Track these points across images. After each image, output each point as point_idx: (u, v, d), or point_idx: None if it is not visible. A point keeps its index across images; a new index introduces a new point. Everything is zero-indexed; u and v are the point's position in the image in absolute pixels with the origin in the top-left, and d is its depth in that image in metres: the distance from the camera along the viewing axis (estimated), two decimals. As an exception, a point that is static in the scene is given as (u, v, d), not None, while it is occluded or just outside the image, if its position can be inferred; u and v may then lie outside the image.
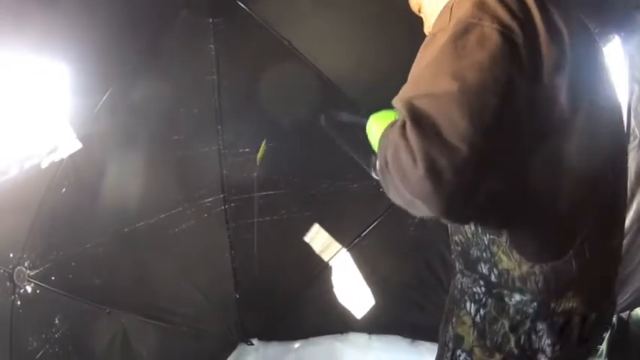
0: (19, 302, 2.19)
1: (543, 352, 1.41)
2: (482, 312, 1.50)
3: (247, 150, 3.40)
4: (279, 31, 3.08)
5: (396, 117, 1.42)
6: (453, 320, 1.62)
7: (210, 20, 3.08)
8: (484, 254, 1.45)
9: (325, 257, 3.63)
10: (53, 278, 2.39)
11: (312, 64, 3.18)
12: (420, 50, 1.30)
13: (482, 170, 1.13)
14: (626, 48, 2.70)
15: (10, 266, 2.18)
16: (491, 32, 1.16)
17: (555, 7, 1.27)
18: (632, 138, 2.76)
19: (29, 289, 2.25)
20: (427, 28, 1.76)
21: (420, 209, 1.18)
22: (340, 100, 3.24)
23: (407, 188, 1.14)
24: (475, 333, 1.52)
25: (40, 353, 2.24)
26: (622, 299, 2.74)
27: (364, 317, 3.60)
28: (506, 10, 1.18)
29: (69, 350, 2.40)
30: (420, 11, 1.78)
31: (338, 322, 3.64)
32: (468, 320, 1.55)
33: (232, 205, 3.50)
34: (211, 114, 3.26)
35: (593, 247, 1.36)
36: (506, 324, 1.43)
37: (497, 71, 1.14)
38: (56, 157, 2.30)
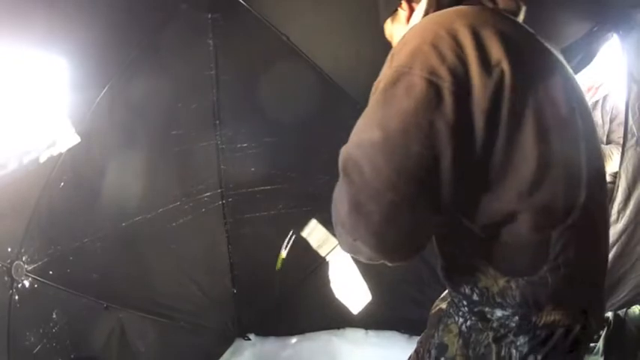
0: (16, 297, 2.20)
1: None
2: (468, 323, 1.50)
3: (245, 145, 3.40)
4: (277, 26, 3.07)
5: None
6: (440, 328, 1.62)
7: (209, 15, 3.07)
8: (464, 277, 1.45)
9: (322, 252, 3.61)
10: (51, 273, 2.39)
11: (310, 59, 3.17)
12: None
13: (413, 212, 1.19)
14: (624, 46, 2.69)
15: (8, 261, 2.19)
16: (418, 80, 1.19)
17: (497, 30, 1.27)
18: (629, 136, 2.76)
19: (27, 283, 2.26)
20: None
21: (365, 253, 1.27)
22: (338, 96, 3.23)
23: (346, 233, 1.24)
24: (460, 342, 1.51)
25: (37, 348, 2.25)
26: (619, 297, 2.75)
27: (361, 313, 3.60)
28: (438, 56, 1.21)
29: (66, 345, 2.41)
30: (391, 39, 1.82)
31: (335, 318, 3.65)
32: (454, 329, 1.54)
33: (230, 200, 3.50)
34: (209, 109, 3.26)
35: (570, 262, 1.33)
36: (491, 335, 1.42)
37: (420, 118, 1.17)
38: (55, 152, 2.30)
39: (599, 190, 1.43)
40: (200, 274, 3.38)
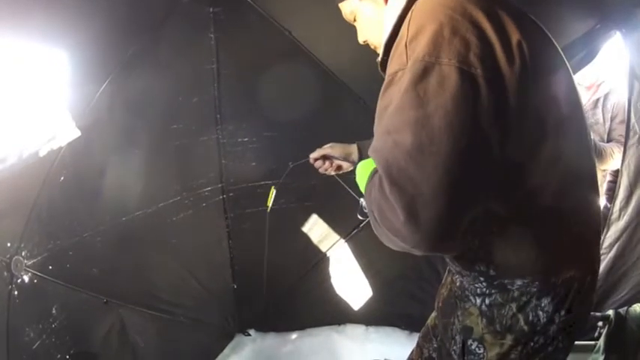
0: (16, 292, 2.19)
1: (552, 321, 1.48)
2: (487, 301, 1.55)
3: (246, 139, 3.38)
4: (279, 21, 3.05)
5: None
6: (458, 314, 1.66)
7: (211, 9, 3.04)
8: (478, 255, 1.49)
9: (323, 248, 3.62)
10: (50, 268, 2.38)
11: (312, 54, 3.15)
12: (382, 92, 1.29)
13: (463, 210, 1.19)
14: (626, 44, 2.68)
15: (8, 256, 2.17)
16: (449, 71, 1.16)
17: (507, 12, 1.29)
18: (632, 134, 2.76)
19: (26, 278, 2.24)
20: (361, 38, 1.80)
21: (416, 252, 1.25)
22: (340, 91, 3.20)
23: (401, 240, 1.20)
24: (484, 321, 1.56)
25: (36, 344, 2.24)
26: (620, 295, 2.75)
27: (361, 309, 3.60)
28: (461, 41, 1.19)
29: (66, 340, 2.40)
30: (354, 20, 1.79)
31: (335, 314, 3.64)
32: (474, 311, 1.59)
33: (231, 194, 3.49)
34: (210, 103, 3.23)
35: (579, 222, 1.48)
36: (514, 306, 1.49)
37: (462, 112, 1.15)
38: (54, 146, 2.28)
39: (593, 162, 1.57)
40: (200, 269, 3.37)
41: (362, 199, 1.82)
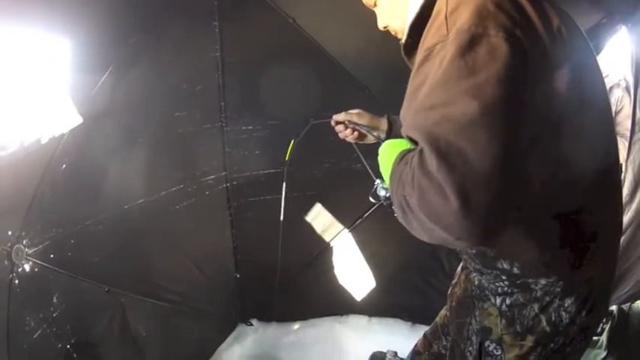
0: (16, 281, 2.19)
1: (573, 322, 1.48)
2: (508, 301, 1.54)
3: (250, 127, 3.36)
4: (283, 8, 3.02)
5: (406, 146, 1.41)
6: (476, 314, 1.66)
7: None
8: (503, 251, 1.48)
9: (326, 238, 3.62)
10: (52, 256, 2.38)
11: (316, 42, 3.12)
12: (415, 69, 1.24)
13: (515, 190, 1.09)
14: (632, 39, 2.66)
15: (9, 244, 2.18)
16: (499, 42, 1.11)
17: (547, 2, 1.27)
18: (637, 128, 2.74)
19: (27, 267, 2.25)
20: (382, 24, 1.75)
21: (454, 244, 1.15)
22: (345, 80, 3.19)
23: (442, 229, 1.09)
24: (503, 322, 1.56)
25: (37, 333, 2.24)
26: (622, 292, 2.74)
27: (364, 299, 3.60)
28: (507, 16, 1.15)
29: (67, 330, 2.40)
30: (375, 5, 1.75)
31: (338, 304, 3.64)
32: (494, 311, 1.59)
33: (234, 183, 3.48)
34: (214, 91, 3.21)
35: (606, 218, 1.45)
36: (536, 307, 1.49)
37: (515, 82, 1.09)
38: (56, 132, 2.28)
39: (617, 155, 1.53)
40: (203, 257, 3.36)
41: (378, 181, 1.73)
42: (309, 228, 3.59)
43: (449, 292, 2.05)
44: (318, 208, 3.58)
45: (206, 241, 3.44)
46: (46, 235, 2.35)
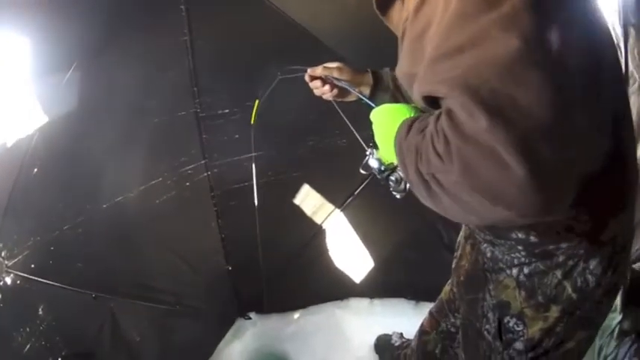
0: (-1, 295, 2.13)
1: (599, 285, 1.41)
2: (526, 270, 1.45)
3: (227, 111, 3.30)
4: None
5: (409, 113, 1.31)
6: (490, 288, 1.57)
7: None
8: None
9: (318, 220, 3.58)
10: (33, 266, 2.34)
11: (286, 14, 3.05)
12: (415, 13, 1.12)
13: (577, 137, 0.92)
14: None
15: (-14, 258, 2.12)
16: None
17: None
18: (631, 82, 2.72)
19: (8, 280, 2.21)
20: None
21: (509, 222, 1.01)
22: (320, 52, 3.13)
23: (500, 206, 0.92)
24: (522, 293, 1.48)
25: (26, 348, 2.21)
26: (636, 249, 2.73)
27: (364, 281, 3.57)
28: None
29: (56, 341, 2.37)
30: None
31: (337, 288, 3.61)
32: (510, 283, 1.50)
33: (215, 170, 3.41)
34: (186, 76, 3.14)
35: (628, 180, 1.36)
36: (559, 273, 1.40)
37: (545, 7, 0.93)
38: (23, 134, 2.22)
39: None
40: (191, 252, 3.31)
41: (369, 150, 1.57)
42: (299, 211, 3.54)
43: (453, 265, 1.94)
44: (306, 189, 3.53)
45: (192, 234, 3.39)
46: (24, 245, 2.31)
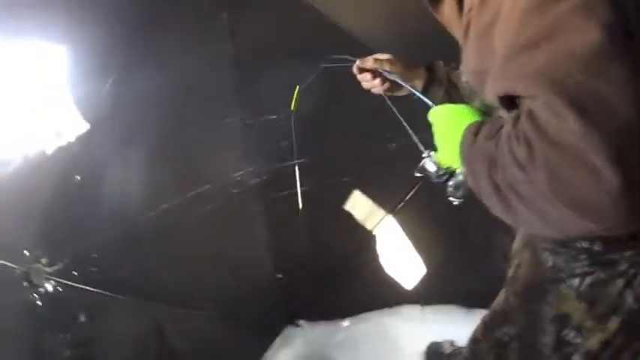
0: (39, 302, 2.17)
1: None
2: (588, 280, 1.37)
3: (274, 117, 3.29)
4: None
5: (473, 116, 1.24)
6: (549, 299, 1.48)
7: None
8: None
9: (369, 226, 3.53)
10: (75, 273, 2.36)
11: (334, 22, 3.04)
12: (478, 7, 1.05)
13: None
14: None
15: (27, 265, 2.17)
16: None
17: None
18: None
19: (49, 287, 2.24)
20: None
21: (590, 233, 0.91)
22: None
23: (587, 218, 0.84)
24: (583, 305, 1.39)
25: (66, 356, 2.21)
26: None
27: (415, 288, 3.49)
28: None
29: (98, 351, 2.38)
30: None
31: (388, 295, 3.54)
32: (571, 294, 1.41)
33: (264, 177, 3.41)
34: (230, 83, 3.16)
35: None
36: (620, 282, 1.31)
37: None
38: (62, 142, 2.26)
39: None
40: (239, 260, 3.30)
41: (427, 152, 1.48)
42: (349, 217, 3.50)
43: (510, 274, 1.85)
44: (356, 195, 3.49)
45: (240, 242, 3.38)
46: (65, 252, 2.34)
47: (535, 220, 0.93)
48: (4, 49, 1.99)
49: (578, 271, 1.39)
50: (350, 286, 3.55)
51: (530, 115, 0.86)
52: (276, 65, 3.09)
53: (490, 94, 1.01)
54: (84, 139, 2.34)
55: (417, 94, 1.62)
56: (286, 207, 3.42)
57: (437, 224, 3.37)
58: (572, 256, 1.39)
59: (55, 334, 2.21)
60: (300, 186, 3.36)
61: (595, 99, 0.78)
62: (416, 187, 3.37)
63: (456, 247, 3.40)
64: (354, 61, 1.94)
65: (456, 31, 1.35)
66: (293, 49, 3.02)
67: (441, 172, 1.44)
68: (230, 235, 3.27)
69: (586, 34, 0.81)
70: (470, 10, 1.08)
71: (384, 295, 3.54)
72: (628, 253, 1.29)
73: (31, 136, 2.14)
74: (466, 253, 3.39)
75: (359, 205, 3.52)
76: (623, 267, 1.30)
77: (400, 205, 3.47)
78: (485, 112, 1.25)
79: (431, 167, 1.47)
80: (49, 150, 2.20)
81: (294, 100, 2.31)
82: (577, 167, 0.79)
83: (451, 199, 1.46)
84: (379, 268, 3.51)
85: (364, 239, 3.55)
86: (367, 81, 1.90)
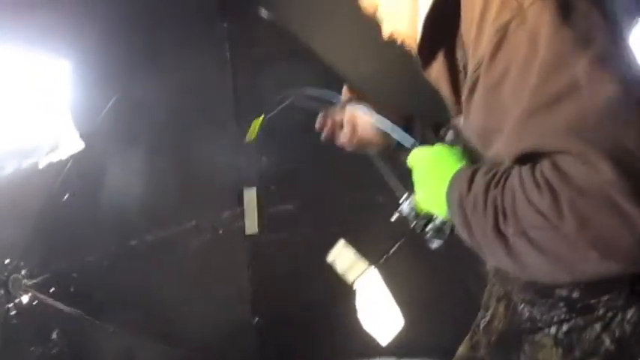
0: (13, 312, 2.16)
1: (636, 333, 1.31)
2: (565, 327, 1.38)
3: (264, 159, 3.35)
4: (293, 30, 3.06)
5: (460, 161, 1.26)
6: (525, 349, 1.49)
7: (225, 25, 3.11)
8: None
9: (350, 277, 3.53)
10: (53, 290, 2.35)
11: (333, 67, 3.13)
12: (488, 61, 1.04)
13: None
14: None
15: (5, 273, 2.16)
16: (585, 7, 0.95)
17: None
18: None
19: (26, 298, 2.23)
20: (387, 30, 1.53)
21: (598, 274, 0.99)
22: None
23: (610, 259, 0.90)
24: (560, 351, 1.40)
25: (35, 367, 2.20)
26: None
27: (392, 340, 3.48)
28: None
29: (67, 368, 2.34)
30: (376, 12, 1.54)
31: (365, 346, 3.52)
32: (548, 342, 1.42)
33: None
34: (228, 120, 3.22)
35: None
36: (598, 327, 1.33)
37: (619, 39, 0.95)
38: (55, 158, 2.28)
39: None
40: (218, 300, 3.29)
41: (405, 196, 1.49)
42: (332, 268, 3.51)
43: (482, 326, 1.87)
44: (340, 245, 3.50)
45: (221, 282, 3.37)
46: (46, 267, 2.34)
47: (545, 265, 0.97)
48: (7, 59, 2.03)
49: (556, 319, 1.40)
50: (326, 335, 3.53)
51: (555, 165, 0.90)
52: (270, 108, 3.17)
53: (506, 153, 1.03)
54: (78, 158, 2.36)
55: (398, 131, 1.55)
56: (270, 251, 3.45)
57: (417, 277, 3.39)
58: (550, 305, 1.40)
59: (24, 345, 2.19)
60: (286, 232, 3.40)
61: (624, 149, 0.84)
62: (401, 241, 3.40)
63: (434, 299, 3.42)
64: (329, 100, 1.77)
65: (445, 88, 1.41)
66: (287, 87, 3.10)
67: (419, 217, 1.47)
68: (211, 274, 3.26)
69: (606, 88, 0.87)
70: (478, 67, 1.09)
71: (359, 346, 3.51)
72: (605, 298, 1.30)
73: (26, 148, 2.16)
74: (444, 307, 3.40)
75: (342, 256, 3.51)
76: (600, 312, 1.32)
77: (383, 258, 3.48)
78: (473, 157, 1.26)
79: (409, 211, 1.50)
80: (42, 164, 2.23)
81: (256, 128, 2.25)
82: (607, 213, 0.84)
83: (429, 244, 1.50)
84: (357, 320, 3.50)
85: (344, 291, 3.55)
86: (326, 133, 1.80)
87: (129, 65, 2.58)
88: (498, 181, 1.01)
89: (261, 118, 1.95)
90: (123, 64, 2.55)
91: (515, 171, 0.99)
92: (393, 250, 3.41)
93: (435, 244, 1.49)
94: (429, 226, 1.46)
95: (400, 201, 1.52)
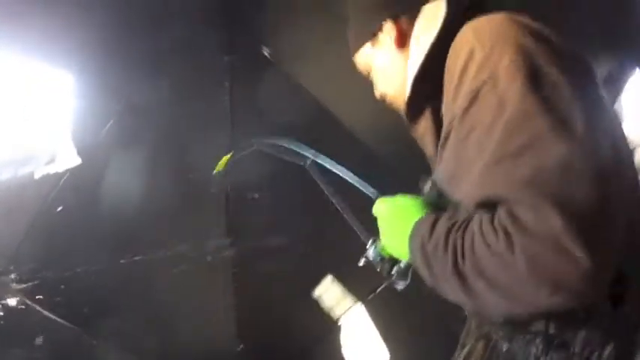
0: (0, 313, 2.20)
1: None
2: None
3: (256, 195, 3.42)
4: (293, 70, 3.18)
5: (421, 210, 1.36)
6: None
7: (226, 58, 3.19)
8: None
9: (337, 313, 3.55)
10: (40, 297, 2.41)
11: (325, 106, 3.26)
12: (463, 115, 1.18)
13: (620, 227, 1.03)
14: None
15: (-5, 275, 2.22)
16: (555, 75, 1.09)
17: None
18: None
19: (13, 302, 2.28)
20: (379, 90, 1.71)
21: (553, 305, 1.04)
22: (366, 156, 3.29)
23: (559, 294, 1.00)
24: None
25: (18, 367, 2.24)
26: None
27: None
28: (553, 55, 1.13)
29: (48, 376, 2.38)
30: (370, 73, 1.72)
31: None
32: None
33: (239, 251, 3.48)
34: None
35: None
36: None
37: (594, 105, 1.10)
38: (51, 170, 2.36)
39: None
40: (202, 327, 3.32)
41: (371, 241, 1.64)
42: (319, 304, 3.54)
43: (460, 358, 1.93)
44: (328, 281, 3.54)
45: (206, 310, 3.39)
46: (36, 274, 2.40)
47: (502, 301, 1.07)
48: (7, 67, 2.12)
49: (533, 355, 1.42)
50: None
51: (511, 213, 1.01)
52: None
53: (467, 199, 1.15)
54: (73, 175, 2.45)
55: (360, 182, 1.79)
56: (257, 283, 3.48)
57: (404, 317, 3.42)
58: (527, 341, 1.42)
59: (10, 345, 2.24)
60: (275, 265, 3.44)
61: (572, 200, 0.95)
62: (389, 280, 3.42)
63: (422, 339, 3.46)
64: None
65: (429, 145, 1.53)
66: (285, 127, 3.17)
67: (385, 260, 1.60)
68: (196, 301, 3.29)
69: (561, 148, 0.99)
70: (452, 120, 1.21)
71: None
72: (582, 334, 1.34)
73: (22, 157, 2.24)
74: (432, 345, 3.40)
75: (329, 292, 3.54)
76: (577, 349, 1.35)
77: (371, 296, 3.51)
78: (434, 205, 1.37)
79: (375, 256, 1.64)
80: (38, 174, 2.30)
81: (222, 164, 2.43)
82: (555, 254, 0.95)
83: (395, 285, 1.63)
84: (342, 356, 3.51)
85: (330, 326, 3.57)
86: None
87: (130, 75, 2.68)
88: (459, 227, 1.14)
89: (230, 155, 2.30)
90: (124, 74, 2.64)
91: (476, 217, 1.11)
92: (380, 289, 3.45)
93: (401, 285, 1.62)
94: (394, 269, 1.59)
95: (367, 246, 1.65)
